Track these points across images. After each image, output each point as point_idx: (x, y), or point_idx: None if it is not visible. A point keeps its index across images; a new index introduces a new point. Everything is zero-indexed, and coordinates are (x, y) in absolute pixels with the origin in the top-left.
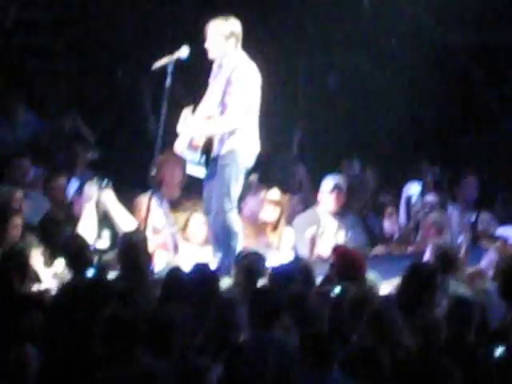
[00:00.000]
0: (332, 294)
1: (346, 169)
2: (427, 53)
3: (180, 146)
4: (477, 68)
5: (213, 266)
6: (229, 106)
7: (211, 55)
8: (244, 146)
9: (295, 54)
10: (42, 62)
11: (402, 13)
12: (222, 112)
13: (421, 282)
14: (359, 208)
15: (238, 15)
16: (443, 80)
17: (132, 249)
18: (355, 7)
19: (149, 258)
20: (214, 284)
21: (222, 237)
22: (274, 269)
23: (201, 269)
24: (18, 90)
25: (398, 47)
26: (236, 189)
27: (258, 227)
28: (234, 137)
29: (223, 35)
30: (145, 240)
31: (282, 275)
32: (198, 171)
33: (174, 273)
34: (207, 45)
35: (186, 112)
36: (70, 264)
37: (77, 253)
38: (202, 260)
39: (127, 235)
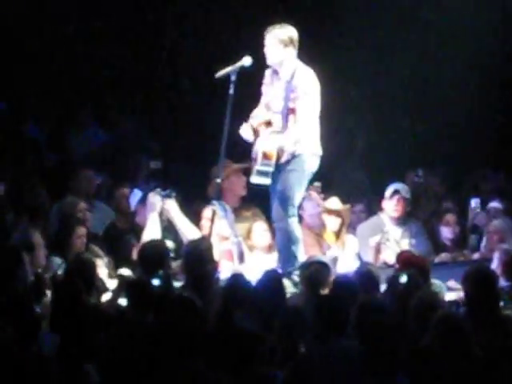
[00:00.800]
0: (399, 282)
1: (411, 177)
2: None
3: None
4: None
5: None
6: (298, 111)
7: (269, 61)
8: (308, 149)
9: (357, 60)
10: (104, 71)
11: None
12: (286, 117)
13: (484, 287)
14: (425, 216)
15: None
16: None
17: (197, 257)
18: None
19: (214, 266)
20: (283, 290)
21: (283, 244)
22: (338, 277)
23: (271, 275)
24: (85, 101)
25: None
26: (300, 194)
27: (318, 235)
28: (299, 142)
29: (282, 42)
30: (210, 248)
31: (347, 283)
32: (264, 180)
33: (236, 280)
34: (266, 50)
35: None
36: (146, 271)
37: (155, 259)
38: (267, 267)
39: (192, 243)
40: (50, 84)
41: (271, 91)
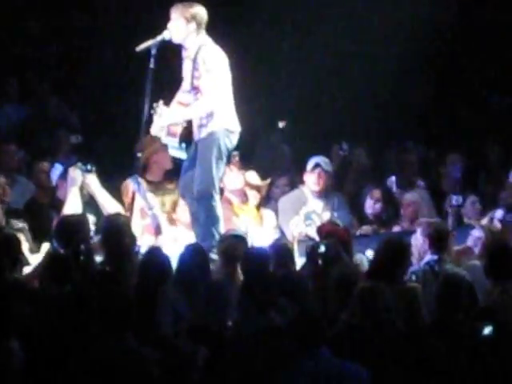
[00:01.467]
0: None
1: (335, 150)
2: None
3: (155, 130)
4: None
5: None
6: (201, 88)
7: (173, 37)
8: (223, 126)
9: (280, 35)
10: (29, 48)
11: None
12: (195, 96)
13: (393, 255)
14: (351, 189)
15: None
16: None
17: (115, 232)
18: None
19: (133, 240)
20: (207, 264)
21: (204, 220)
22: (248, 250)
23: (194, 248)
24: (7, 75)
25: (383, 26)
26: (218, 172)
27: (237, 210)
28: (211, 119)
29: (184, 18)
30: (127, 222)
31: (257, 257)
32: (180, 154)
33: (152, 253)
34: (169, 26)
35: (159, 105)
36: (61, 245)
37: (69, 234)
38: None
39: (110, 218)
40: None
41: (183, 69)
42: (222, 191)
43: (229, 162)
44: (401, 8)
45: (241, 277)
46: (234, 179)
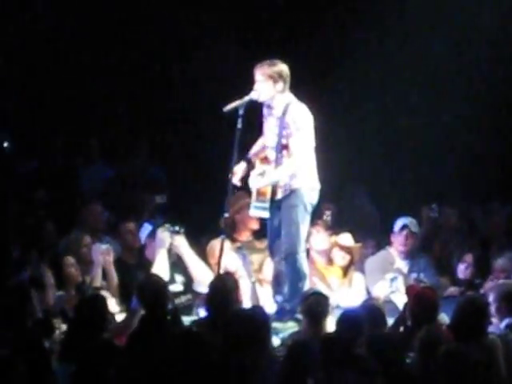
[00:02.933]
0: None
1: (426, 212)
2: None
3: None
4: None
5: (270, 309)
6: (291, 147)
7: (261, 98)
8: (305, 183)
9: (366, 95)
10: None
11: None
12: (280, 153)
13: (473, 313)
14: (439, 250)
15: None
16: None
17: (224, 294)
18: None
19: (238, 305)
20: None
21: (291, 279)
22: (344, 312)
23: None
24: (92, 137)
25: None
26: (304, 229)
27: (323, 271)
28: (295, 177)
29: (271, 78)
30: (237, 287)
31: (352, 318)
32: (262, 214)
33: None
34: (256, 87)
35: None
36: (147, 305)
37: (155, 293)
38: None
39: (220, 279)
40: (58, 119)
41: (266, 126)
42: (307, 251)
43: (312, 220)
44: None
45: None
46: (321, 240)
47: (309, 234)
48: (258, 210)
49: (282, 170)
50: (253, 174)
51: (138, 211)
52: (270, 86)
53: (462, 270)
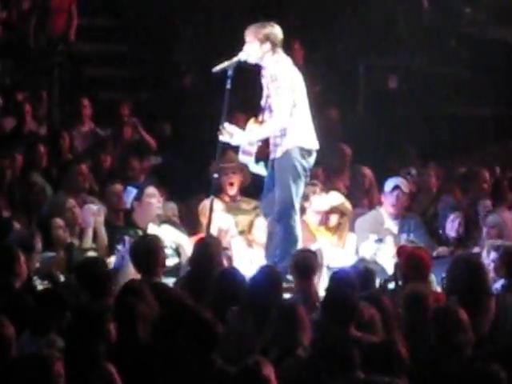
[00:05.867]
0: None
1: (403, 175)
2: (487, 53)
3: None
4: None
5: None
6: (272, 107)
7: (249, 59)
8: (297, 145)
9: (355, 54)
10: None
11: (461, 13)
12: (269, 114)
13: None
14: (422, 209)
15: (294, 16)
16: (503, 79)
17: (206, 257)
18: (415, 9)
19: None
20: (280, 287)
21: (282, 241)
22: (335, 272)
23: (267, 271)
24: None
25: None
26: (297, 191)
27: (318, 230)
28: (285, 138)
29: (258, 39)
30: (220, 249)
31: (345, 279)
32: (260, 170)
33: (228, 274)
34: (245, 48)
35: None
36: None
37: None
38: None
39: (203, 242)
40: None
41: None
42: (303, 210)
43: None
44: None
45: (316, 292)
46: (320, 201)
47: (308, 194)
48: (256, 167)
49: (263, 128)
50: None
51: (126, 173)
52: (256, 46)
53: (451, 229)
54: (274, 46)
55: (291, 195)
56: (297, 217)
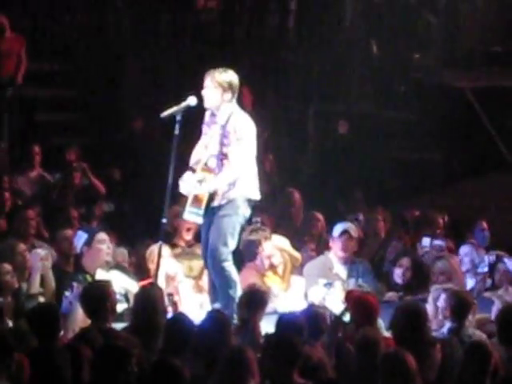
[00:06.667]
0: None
1: (351, 221)
2: (435, 97)
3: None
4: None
5: None
6: (229, 156)
7: (207, 104)
8: (244, 195)
9: (305, 100)
10: (50, 114)
11: (410, 59)
12: (220, 162)
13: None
14: (370, 254)
15: (244, 64)
16: (452, 123)
17: (150, 306)
18: (364, 55)
19: (165, 315)
20: (229, 331)
21: (221, 287)
22: (283, 315)
23: (215, 315)
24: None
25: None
26: (233, 239)
27: (262, 276)
28: (233, 187)
29: (221, 86)
30: (161, 297)
31: (292, 323)
32: (195, 219)
33: (178, 320)
34: (204, 93)
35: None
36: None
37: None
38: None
39: (144, 290)
40: None
41: (209, 133)
42: (255, 255)
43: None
44: None
45: (260, 333)
46: (268, 246)
47: (260, 240)
48: (191, 215)
49: (219, 179)
50: (191, 179)
51: (88, 219)
52: (218, 94)
53: (399, 275)
54: (233, 94)
55: (226, 241)
56: (230, 263)
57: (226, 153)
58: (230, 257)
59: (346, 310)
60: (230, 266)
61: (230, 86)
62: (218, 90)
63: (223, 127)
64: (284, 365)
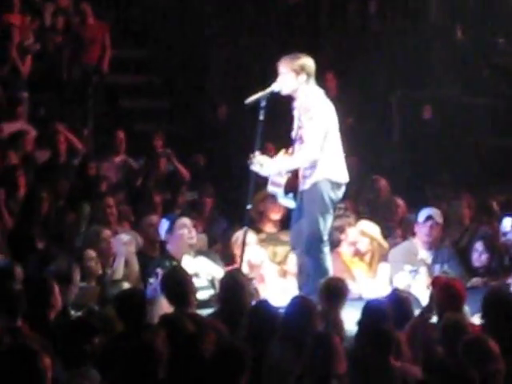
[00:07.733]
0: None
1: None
2: None
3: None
4: None
5: None
6: (303, 138)
7: (284, 91)
8: (326, 177)
9: (389, 85)
10: (135, 100)
11: (494, 44)
12: (299, 145)
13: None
14: (454, 239)
15: (328, 50)
16: None
17: (237, 290)
18: (448, 40)
19: (250, 300)
20: (314, 316)
21: (312, 273)
22: (369, 302)
23: (300, 301)
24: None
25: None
26: (325, 224)
27: (348, 263)
28: (314, 170)
29: (294, 70)
30: (248, 281)
31: (378, 310)
32: (288, 203)
33: (261, 306)
34: (279, 81)
35: (255, 155)
36: (171, 297)
37: (179, 284)
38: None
39: (230, 276)
40: None
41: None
42: (339, 242)
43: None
44: None
45: (341, 321)
46: (357, 235)
47: (344, 226)
48: (284, 199)
49: (291, 160)
50: (267, 161)
51: (157, 205)
52: (292, 78)
53: (476, 259)
54: (308, 77)
55: (319, 228)
56: (326, 249)
57: (301, 135)
58: (324, 243)
59: (429, 307)
60: (324, 253)
61: (303, 68)
62: (291, 74)
63: (299, 110)
64: (380, 350)
